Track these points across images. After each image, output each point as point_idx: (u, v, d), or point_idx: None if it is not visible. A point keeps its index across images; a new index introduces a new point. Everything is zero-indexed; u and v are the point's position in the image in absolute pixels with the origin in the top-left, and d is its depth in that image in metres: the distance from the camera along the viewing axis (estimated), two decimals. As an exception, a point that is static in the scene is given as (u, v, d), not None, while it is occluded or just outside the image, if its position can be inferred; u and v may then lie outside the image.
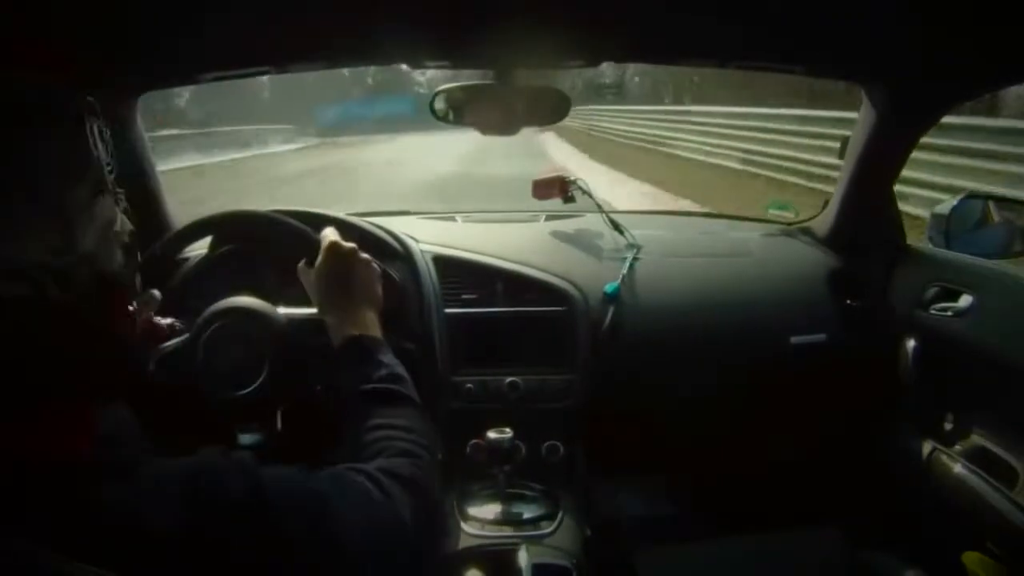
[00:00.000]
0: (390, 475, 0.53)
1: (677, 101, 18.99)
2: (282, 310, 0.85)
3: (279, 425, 0.86)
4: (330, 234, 0.82)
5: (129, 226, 0.47)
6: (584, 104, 21.24)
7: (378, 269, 0.82)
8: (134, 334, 0.49)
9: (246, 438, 0.84)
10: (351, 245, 0.80)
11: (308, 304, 0.84)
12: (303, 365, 0.84)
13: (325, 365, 0.78)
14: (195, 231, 1.00)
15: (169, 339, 0.81)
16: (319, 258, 0.79)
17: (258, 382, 0.81)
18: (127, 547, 0.37)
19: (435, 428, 0.66)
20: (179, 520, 0.39)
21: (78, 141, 0.42)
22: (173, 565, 0.38)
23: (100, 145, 0.44)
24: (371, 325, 0.73)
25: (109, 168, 0.45)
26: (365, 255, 0.81)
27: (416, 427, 0.61)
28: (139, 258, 0.49)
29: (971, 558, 1.03)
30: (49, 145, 0.40)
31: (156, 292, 0.63)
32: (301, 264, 0.83)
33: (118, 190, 0.47)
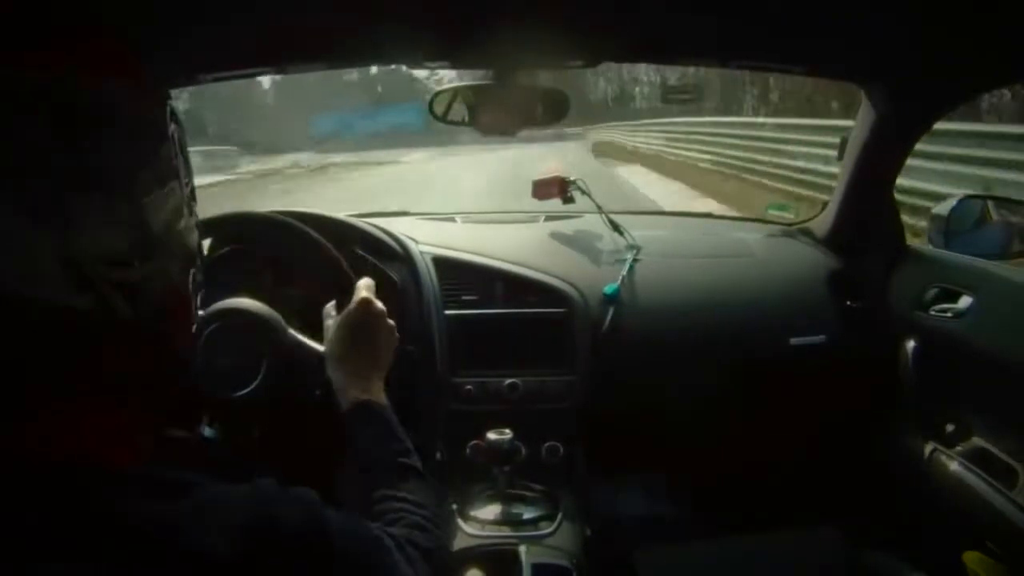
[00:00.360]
0: (410, 544, 0.54)
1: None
2: (292, 332, 0.85)
3: (256, 431, 0.86)
4: (365, 288, 0.81)
5: (196, 235, 0.47)
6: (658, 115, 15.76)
7: (398, 337, 0.81)
8: (191, 347, 0.48)
9: (208, 431, 0.84)
10: (382, 308, 0.79)
11: (307, 308, 0.84)
12: (302, 367, 0.84)
13: (320, 378, 0.78)
14: None
15: None
16: (350, 309, 0.78)
17: (256, 383, 0.80)
18: (174, 568, 0.36)
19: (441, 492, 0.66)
20: (232, 546, 0.37)
21: (159, 146, 0.42)
22: None
23: (179, 155, 0.44)
24: (379, 392, 0.73)
25: (186, 182, 0.45)
26: (391, 322, 0.80)
27: (427, 503, 0.62)
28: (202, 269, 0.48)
29: (971, 557, 1.03)
30: (124, 147, 0.39)
31: None
32: (329, 307, 0.83)
33: (192, 203, 0.46)
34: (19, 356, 0.37)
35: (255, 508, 0.40)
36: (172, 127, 0.44)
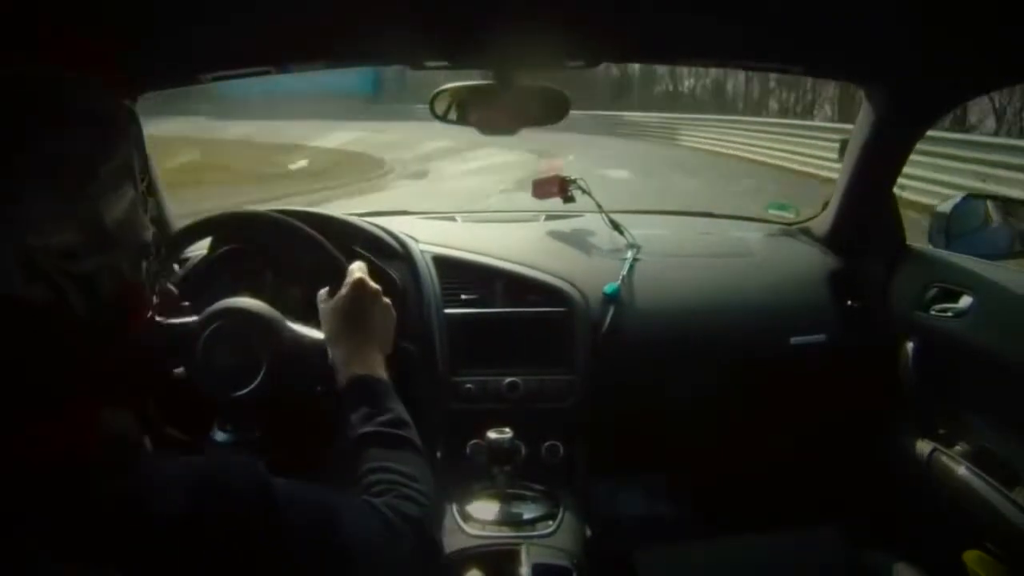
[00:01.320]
0: (394, 511, 0.54)
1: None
2: (292, 326, 0.85)
3: (257, 432, 0.86)
4: (358, 269, 0.82)
5: (151, 230, 0.47)
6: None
7: (395, 315, 0.82)
8: (149, 336, 0.49)
9: (220, 435, 0.84)
10: (376, 287, 0.81)
11: (308, 307, 0.84)
12: (302, 367, 0.84)
13: (324, 367, 0.78)
14: (195, 231, 1.00)
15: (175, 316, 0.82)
16: (343, 291, 0.79)
17: (255, 383, 0.80)
18: (131, 538, 0.37)
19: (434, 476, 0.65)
20: (184, 511, 0.39)
21: (115, 144, 0.43)
22: (175, 556, 0.38)
23: (135, 152, 0.45)
24: (378, 367, 0.73)
25: (142, 177, 0.46)
26: (387, 300, 0.81)
27: (420, 476, 0.61)
28: (157, 263, 0.49)
29: (971, 556, 1.03)
30: (80, 144, 0.40)
31: (172, 287, 0.63)
32: (322, 292, 0.83)
33: (148, 199, 0.47)
34: None
35: (202, 474, 0.41)
36: (132, 127, 0.45)
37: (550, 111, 0.99)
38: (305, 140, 12.40)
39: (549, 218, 1.44)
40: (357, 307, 0.78)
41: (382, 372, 0.73)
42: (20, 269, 0.37)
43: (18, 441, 0.37)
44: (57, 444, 0.38)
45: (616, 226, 1.31)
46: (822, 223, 1.36)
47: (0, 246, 0.36)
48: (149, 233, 0.47)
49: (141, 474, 0.40)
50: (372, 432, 0.64)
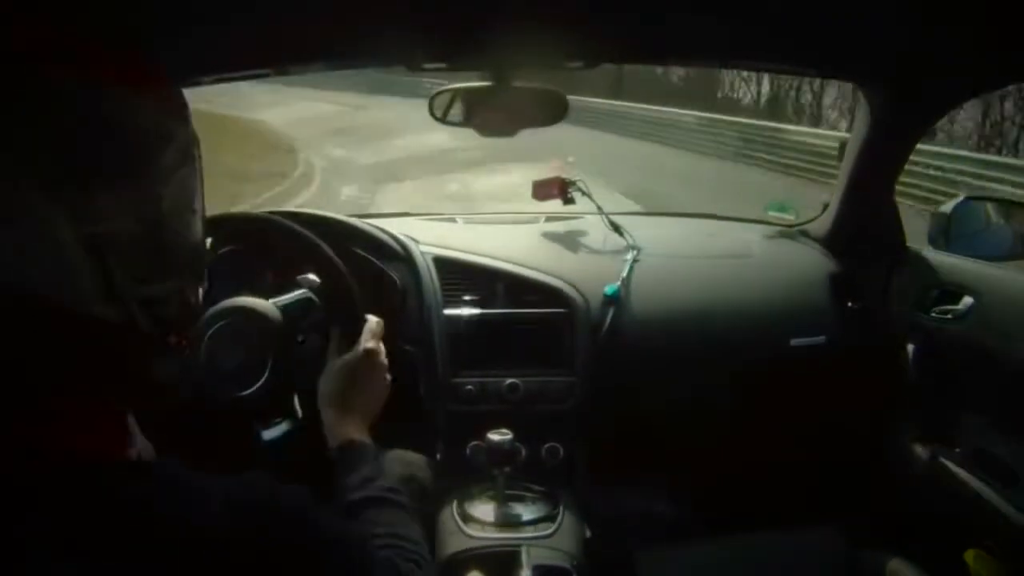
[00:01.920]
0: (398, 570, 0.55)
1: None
2: (271, 301, 0.85)
3: (300, 413, 0.86)
4: (371, 334, 0.82)
5: (202, 232, 0.48)
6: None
7: (389, 388, 0.82)
8: (189, 352, 0.50)
9: (269, 432, 0.84)
10: (385, 361, 0.82)
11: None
12: (306, 363, 0.84)
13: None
14: None
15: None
16: (353, 354, 0.80)
17: (261, 381, 0.80)
18: (163, 547, 0.37)
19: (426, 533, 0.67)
20: (215, 519, 0.39)
21: (180, 163, 0.43)
22: (210, 566, 0.38)
23: (199, 180, 0.46)
24: (364, 433, 0.75)
25: (200, 196, 0.46)
26: (390, 376, 0.82)
27: (417, 538, 0.62)
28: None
29: (971, 556, 1.03)
30: (151, 159, 0.41)
31: None
32: (332, 346, 0.84)
33: (204, 223, 0.48)
34: (43, 358, 0.38)
35: (241, 489, 0.42)
36: (196, 152, 0.46)
37: (549, 112, 1.00)
38: (248, 111, 9.40)
39: (549, 219, 1.44)
40: (362, 375, 0.79)
41: (367, 437, 0.74)
42: (99, 289, 0.38)
43: (20, 441, 0.37)
44: (60, 444, 0.38)
45: (616, 227, 1.31)
46: (822, 225, 1.36)
47: (83, 263, 0.37)
48: (205, 254, 0.47)
49: (182, 485, 0.40)
50: (370, 497, 0.65)
